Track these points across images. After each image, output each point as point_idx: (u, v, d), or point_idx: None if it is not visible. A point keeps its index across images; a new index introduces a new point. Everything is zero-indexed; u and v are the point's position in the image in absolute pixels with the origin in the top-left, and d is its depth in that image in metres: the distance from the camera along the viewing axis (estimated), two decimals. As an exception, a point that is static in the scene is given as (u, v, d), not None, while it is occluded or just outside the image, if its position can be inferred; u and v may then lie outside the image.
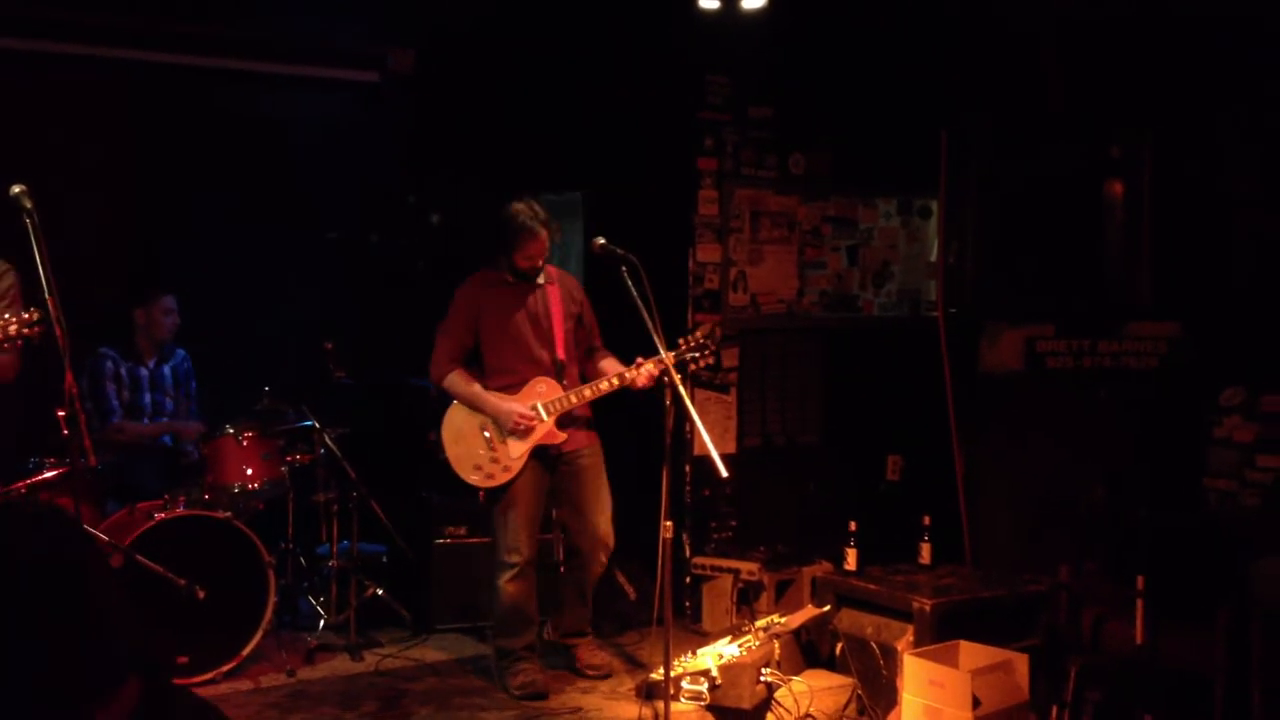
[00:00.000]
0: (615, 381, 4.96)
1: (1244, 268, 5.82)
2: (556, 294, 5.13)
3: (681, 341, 4.84)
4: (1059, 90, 6.10)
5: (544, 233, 4.98)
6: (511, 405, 4.95)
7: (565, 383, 5.06)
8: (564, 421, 5.04)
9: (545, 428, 4.97)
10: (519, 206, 5.01)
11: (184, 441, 5.97)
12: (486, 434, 4.99)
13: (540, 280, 5.12)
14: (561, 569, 5.58)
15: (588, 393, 4.99)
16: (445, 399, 5.27)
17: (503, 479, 4.98)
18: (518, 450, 4.97)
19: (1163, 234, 5.98)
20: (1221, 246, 5.86)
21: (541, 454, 5.02)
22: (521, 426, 4.91)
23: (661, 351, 4.47)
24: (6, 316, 4.24)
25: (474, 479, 5.00)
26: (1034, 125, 6.13)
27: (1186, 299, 5.84)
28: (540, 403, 4.97)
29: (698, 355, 4.82)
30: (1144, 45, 5.88)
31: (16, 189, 4.18)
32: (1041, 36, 6.14)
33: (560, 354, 5.08)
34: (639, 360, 4.92)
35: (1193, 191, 5.94)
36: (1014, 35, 6.16)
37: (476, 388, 5.02)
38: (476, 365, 5.12)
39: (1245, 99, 5.81)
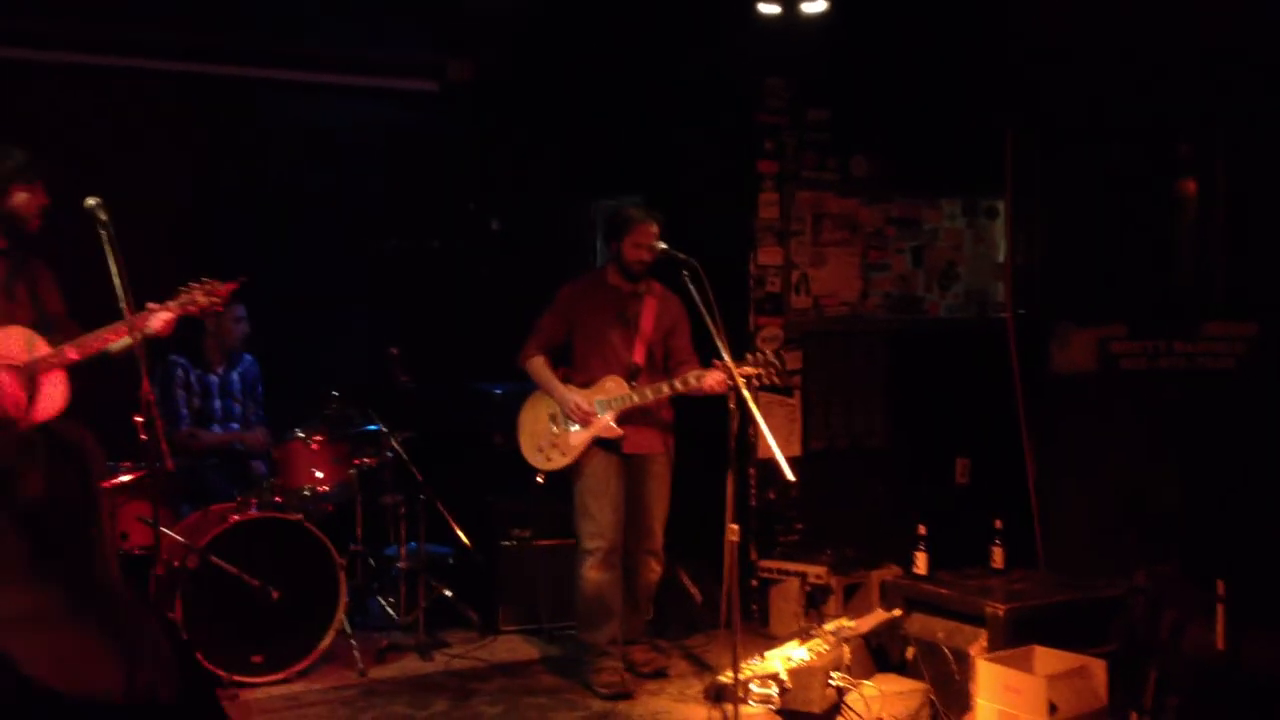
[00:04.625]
0: (678, 385, 5.00)
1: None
2: (653, 306, 5.27)
3: (749, 356, 4.81)
4: (1128, 87, 6.01)
5: (652, 223, 5.14)
6: (574, 395, 5.16)
7: (635, 385, 5.17)
8: (634, 422, 5.15)
9: (603, 422, 5.11)
10: (627, 205, 5.32)
11: (251, 448, 6.05)
12: (553, 418, 5.21)
13: (642, 289, 5.27)
14: None
15: (649, 394, 5.08)
16: (511, 402, 5.39)
17: (559, 463, 5.17)
18: (578, 439, 5.15)
19: (1236, 232, 5.88)
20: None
21: (607, 446, 5.16)
22: (576, 416, 5.11)
23: (725, 355, 4.47)
24: (191, 286, 4.45)
25: (535, 460, 5.24)
26: (1101, 123, 6.05)
27: (1262, 298, 5.72)
28: (603, 398, 5.13)
29: (762, 374, 4.76)
30: (1209, 41, 5.78)
31: (91, 201, 4.24)
32: (1105, 32, 6.05)
33: (638, 359, 5.22)
34: (711, 365, 4.89)
35: (1266, 189, 5.82)
36: (1078, 30, 6.08)
37: (551, 374, 5.26)
38: (566, 360, 5.36)
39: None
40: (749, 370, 4.72)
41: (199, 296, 4.51)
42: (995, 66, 6.33)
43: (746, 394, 4.47)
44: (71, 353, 4.30)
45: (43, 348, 4.34)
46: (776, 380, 4.86)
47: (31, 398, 4.31)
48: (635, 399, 5.10)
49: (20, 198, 4.32)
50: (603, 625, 5.13)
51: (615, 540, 5.14)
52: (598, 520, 5.12)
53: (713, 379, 4.85)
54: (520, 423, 5.33)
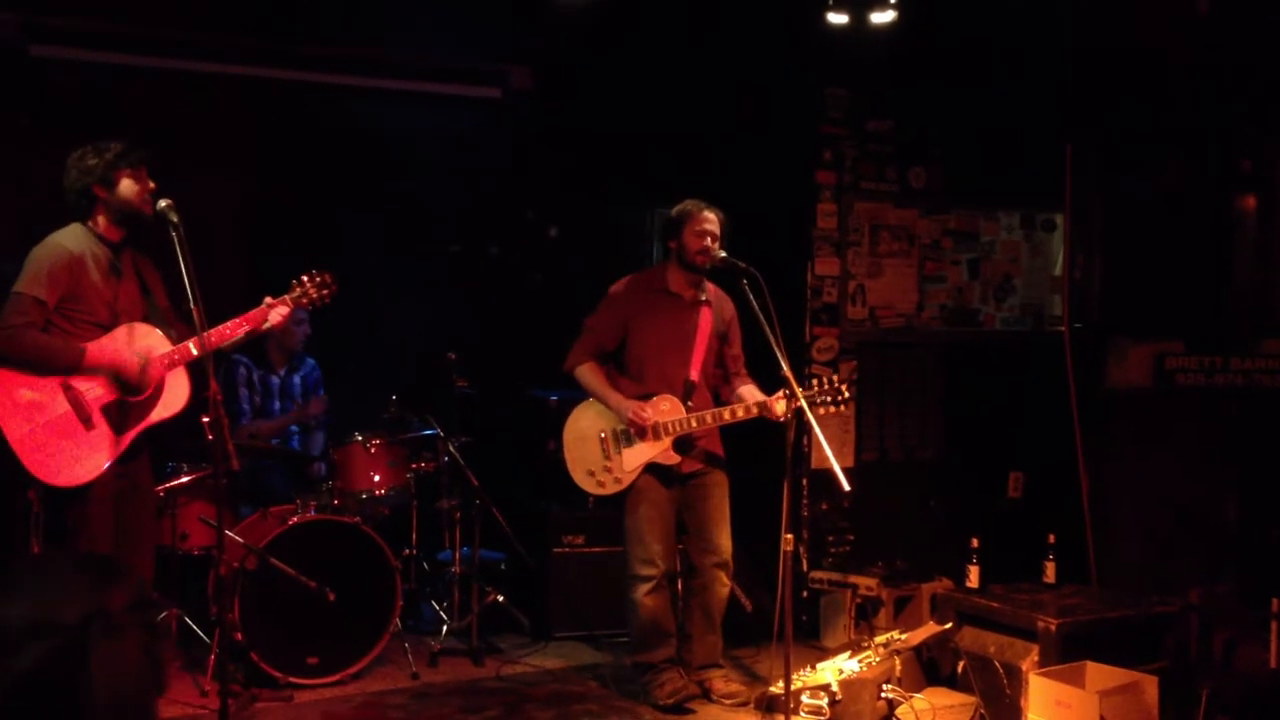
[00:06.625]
0: (740, 413, 4.85)
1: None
2: (709, 314, 5.07)
3: (815, 384, 4.76)
4: (1187, 102, 5.97)
5: (711, 213, 4.99)
6: (632, 401, 4.89)
7: (691, 404, 4.97)
8: (686, 444, 4.97)
9: (660, 447, 4.90)
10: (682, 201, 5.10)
11: (311, 424, 6.15)
12: (604, 440, 4.96)
13: (702, 297, 5.08)
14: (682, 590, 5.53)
15: (709, 419, 4.90)
16: (566, 410, 5.36)
17: (613, 489, 4.96)
18: (631, 463, 4.93)
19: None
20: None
21: (659, 471, 4.97)
22: (635, 425, 4.85)
23: (783, 365, 4.47)
24: (303, 279, 4.52)
25: (586, 484, 5.00)
26: (1160, 138, 6.01)
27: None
28: (659, 421, 4.90)
29: (828, 400, 4.72)
30: (1270, 57, 5.72)
31: (163, 203, 4.30)
32: (1169, 48, 6.01)
33: (694, 375, 5.00)
34: (770, 398, 4.81)
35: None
36: (1140, 45, 6.04)
37: (605, 382, 4.99)
38: (611, 361, 5.12)
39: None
40: (815, 396, 4.67)
41: (311, 290, 4.58)
42: (1057, 80, 6.31)
43: (812, 419, 4.46)
44: (195, 347, 4.26)
45: (166, 343, 4.35)
46: (842, 409, 4.79)
47: (159, 393, 4.32)
48: (694, 424, 4.88)
49: (128, 185, 4.28)
50: (658, 647, 5.03)
51: (667, 566, 5.02)
52: (651, 549, 4.94)
53: (777, 409, 4.67)
54: (565, 441, 5.06)
